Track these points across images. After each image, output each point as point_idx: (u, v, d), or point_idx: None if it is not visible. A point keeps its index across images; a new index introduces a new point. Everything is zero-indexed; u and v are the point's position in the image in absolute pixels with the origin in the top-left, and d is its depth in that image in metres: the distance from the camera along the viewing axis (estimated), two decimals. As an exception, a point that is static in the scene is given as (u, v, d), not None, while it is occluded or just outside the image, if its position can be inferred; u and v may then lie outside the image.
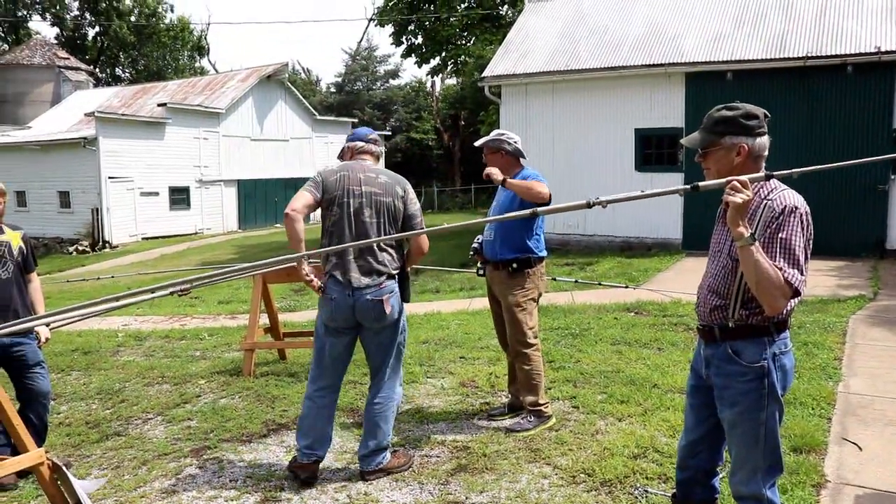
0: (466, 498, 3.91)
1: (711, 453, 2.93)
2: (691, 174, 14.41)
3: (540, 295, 5.05)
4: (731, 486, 2.79)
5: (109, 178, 25.99)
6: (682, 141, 2.72)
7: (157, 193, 27.90)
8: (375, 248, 4.14)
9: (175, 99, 30.84)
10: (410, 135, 46.48)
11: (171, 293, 4.28)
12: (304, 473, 4.18)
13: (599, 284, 9.50)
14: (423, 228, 4.22)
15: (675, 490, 3.07)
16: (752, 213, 2.61)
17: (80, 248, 25.98)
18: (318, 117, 35.58)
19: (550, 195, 4.77)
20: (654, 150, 15.18)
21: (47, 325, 4.79)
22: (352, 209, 4.14)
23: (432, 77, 38.65)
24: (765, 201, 2.61)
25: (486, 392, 5.85)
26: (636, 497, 3.80)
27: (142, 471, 4.59)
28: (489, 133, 5.16)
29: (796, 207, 2.57)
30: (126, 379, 6.98)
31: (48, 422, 4.80)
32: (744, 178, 2.49)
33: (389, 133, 43.16)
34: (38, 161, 27.88)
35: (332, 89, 51.63)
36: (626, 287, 9.34)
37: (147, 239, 27.33)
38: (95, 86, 41.41)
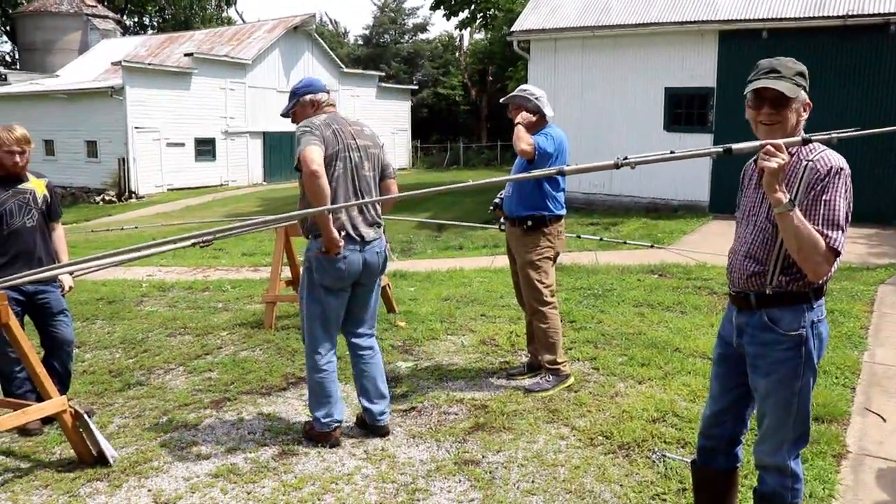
0: (483, 457, 3.91)
1: (736, 422, 2.87)
2: (721, 135, 14.15)
3: (557, 254, 5.00)
4: (755, 454, 2.74)
5: (136, 128, 26.08)
6: (771, 84, 2.50)
7: (182, 144, 27.98)
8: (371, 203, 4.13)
9: (202, 49, 30.73)
10: (437, 90, 46.08)
11: (194, 244, 4.28)
12: (328, 441, 4.14)
13: (624, 244, 9.42)
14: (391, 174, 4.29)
15: (694, 456, 3.03)
16: (792, 175, 2.50)
17: (107, 198, 26.21)
18: (345, 70, 35.35)
19: (534, 153, 4.68)
20: (683, 109, 14.90)
21: (71, 273, 4.81)
22: (353, 163, 4.05)
23: (461, 30, 38.17)
24: (807, 162, 2.50)
25: (505, 351, 5.83)
26: (654, 461, 3.77)
27: (162, 420, 4.64)
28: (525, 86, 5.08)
29: (841, 168, 2.47)
30: (149, 329, 7.05)
31: (72, 370, 4.85)
32: (779, 141, 2.39)
33: (416, 87, 42.79)
34: (66, 110, 28.00)
35: (360, 42, 51.18)
36: (651, 247, 9.24)
37: (172, 190, 27.48)
38: (122, 34, 41.34)
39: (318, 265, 4.00)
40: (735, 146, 2.48)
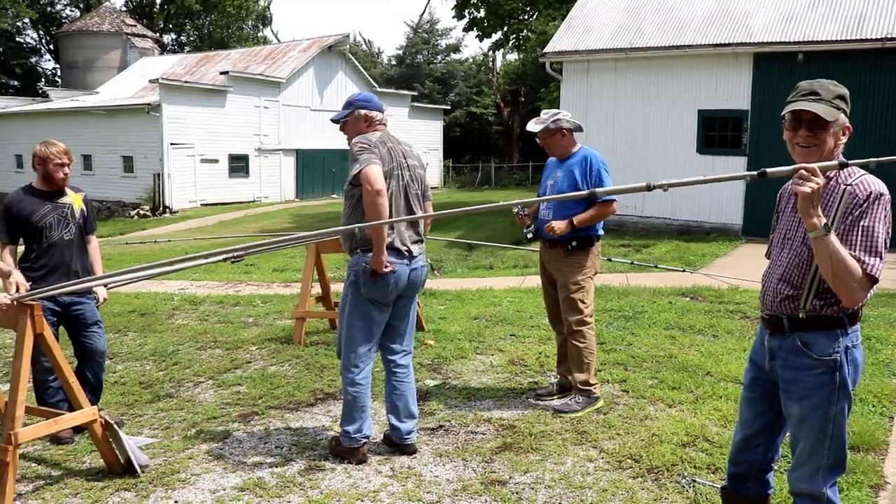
0: (510, 477, 3.88)
1: (767, 448, 2.82)
2: (755, 157, 14.01)
3: (595, 273, 4.98)
4: (790, 481, 2.68)
5: (171, 144, 26.49)
6: (809, 107, 2.47)
7: (216, 161, 28.34)
8: (417, 221, 4.19)
9: (237, 67, 31.19)
10: (470, 109, 46.27)
11: (225, 259, 4.34)
12: (355, 457, 4.13)
13: (655, 267, 9.33)
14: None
15: (725, 482, 2.97)
16: (830, 200, 2.47)
17: (142, 212, 26.58)
18: (378, 89, 35.61)
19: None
20: (717, 132, 14.78)
21: (105, 285, 4.88)
22: (404, 181, 4.11)
23: (493, 52, 38.34)
24: (845, 187, 2.46)
25: (534, 371, 5.79)
26: (683, 486, 3.71)
27: (191, 433, 4.66)
28: (548, 110, 5.08)
29: (882, 194, 2.43)
30: (180, 342, 7.11)
31: (103, 380, 4.90)
32: (814, 165, 2.35)
33: (448, 107, 43.00)
34: (104, 126, 28.53)
35: (393, 62, 51.62)
36: (683, 271, 9.15)
37: (206, 205, 27.81)
38: (161, 53, 42.13)
39: (367, 278, 4.01)
40: (770, 170, 2.44)
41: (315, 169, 31.99)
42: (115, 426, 4.00)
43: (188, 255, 4.26)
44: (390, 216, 3.97)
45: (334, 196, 31.27)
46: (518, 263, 12.88)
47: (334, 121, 4.32)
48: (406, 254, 4.08)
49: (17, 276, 3.76)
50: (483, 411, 4.92)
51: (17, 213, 4.49)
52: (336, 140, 32.43)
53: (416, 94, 39.64)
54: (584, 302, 4.85)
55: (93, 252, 4.82)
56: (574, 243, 4.80)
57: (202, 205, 27.79)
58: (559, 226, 4.72)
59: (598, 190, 2.70)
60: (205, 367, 6.17)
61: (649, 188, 2.54)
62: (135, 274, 5.19)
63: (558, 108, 16.43)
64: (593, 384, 4.89)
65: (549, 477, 3.86)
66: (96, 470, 4.10)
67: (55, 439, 4.55)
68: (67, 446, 4.49)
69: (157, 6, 52.64)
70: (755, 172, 2.47)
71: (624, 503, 3.57)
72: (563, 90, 16.51)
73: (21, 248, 4.62)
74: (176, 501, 3.70)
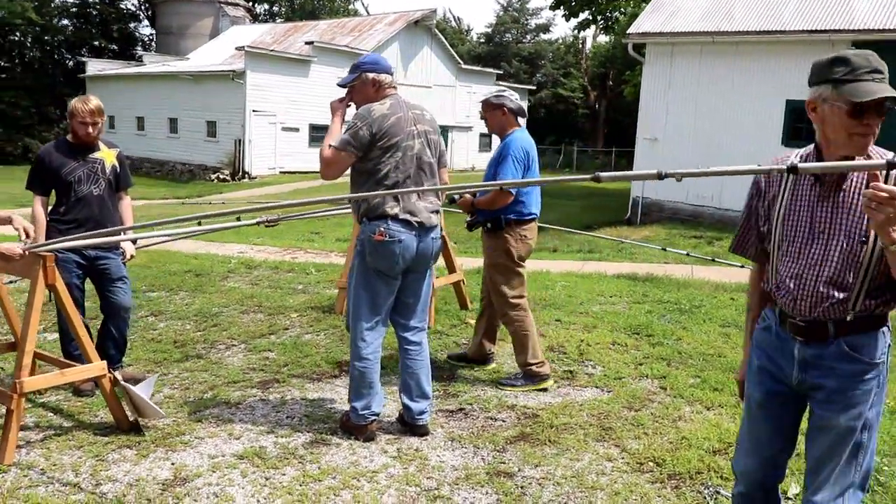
0: (519, 470, 3.65)
1: (781, 469, 2.52)
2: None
3: (519, 258, 4.91)
4: None
5: (253, 111, 26.93)
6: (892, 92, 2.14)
7: (297, 129, 28.68)
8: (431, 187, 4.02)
9: (324, 38, 31.41)
10: (557, 91, 45.55)
11: (258, 223, 4.23)
12: (364, 434, 3.98)
13: (712, 261, 8.84)
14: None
15: None
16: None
17: (221, 176, 27.18)
18: (463, 66, 35.40)
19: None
20: (805, 124, 13.97)
21: (133, 241, 4.86)
22: (415, 150, 3.90)
23: (579, 32, 37.48)
24: None
25: (572, 360, 5.52)
26: (705, 497, 3.39)
27: (207, 395, 4.60)
28: (634, 94, 4.97)
29: None
30: (226, 304, 7.12)
31: (128, 336, 4.89)
32: (860, 164, 2.04)
33: (534, 87, 42.41)
34: (191, 91, 29.24)
35: (482, 40, 51.21)
36: (742, 267, 8.65)
37: (284, 173, 28.21)
38: (252, 22, 42.84)
39: (372, 248, 3.85)
40: (801, 165, 2.13)
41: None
42: (122, 382, 3.96)
43: (222, 218, 4.19)
44: (400, 186, 3.82)
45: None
46: (583, 248, 12.53)
47: (341, 85, 4.14)
48: (416, 224, 3.87)
49: (21, 222, 3.72)
50: (508, 397, 4.69)
51: (49, 166, 4.50)
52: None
53: (501, 72, 39.21)
54: (506, 285, 4.87)
55: (124, 209, 4.80)
56: (489, 225, 4.85)
57: (281, 172, 28.20)
58: (462, 200, 4.91)
59: (603, 175, 2.43)
60: (241, 331, 6.14)
61: (660, 176, 2.25)
62: (157, 232, 5.17)
63: (641, 92, 15.90)
64: (533, 363, 4.85)
65: (561, 473, 3.61)
66: (105, 425, 4.08)
67: (77, 391, 4.57)
68: (87, 399, 4.49)
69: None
70: (784, 167, 2.16)
71: (635, 509, 3.30)
72: (644, 74, 15.94)
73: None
74: (173, 463, 3.62)
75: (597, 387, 4.91)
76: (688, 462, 3.72)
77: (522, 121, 5.00)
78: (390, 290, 3.98)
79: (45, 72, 40.01)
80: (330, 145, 3.87)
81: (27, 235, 3.72)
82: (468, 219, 5.00)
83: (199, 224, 3.94)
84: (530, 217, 4.92)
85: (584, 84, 45.10)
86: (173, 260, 9.57)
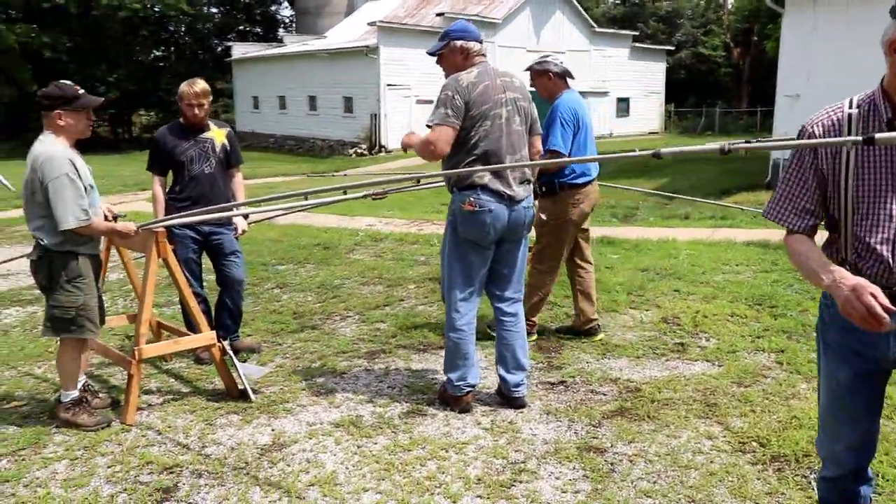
0: (611, 445, 3.55)
1: (872, 449, 2.32)
2: None
3: (565, 222, 4.91)
4: None
5: (388, 85, 27.37)
6: None
7: (432, 102, 28.78)
8: (522, 157, 3.98)
9: (455, 9, 31.36)
10: (697, 50, 43.51)
11: (365, 196, 4.32)
12: (459, 406, 4.01)
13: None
14: None
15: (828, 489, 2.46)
16: None
17: (359, 150, 27.89)
18: (597, 29, 34.45)
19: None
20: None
21: (245, 216, 5.07)
22: (503, 119, 3.85)
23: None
24: None
25: (686, 332, 5.30)
26: (809, 482, 3.16)
27: (315, 365, 4.78)
28: (776, 49, 4.71)
29: None
30: (348, 276, 7.34)
31: (242, 308, 5.13)
32: None
33: (673, 48, 40.70)
34: (327, 69, 30.07)
35: (616, 1, 49.58)
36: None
37: (415, 146, 28.55)
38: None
39: (463, 218, 3.86)
40: (879, 136, 1.92)
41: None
42: (231, 353, 4.17)
43: (327, 193, 4.31)
44: (489, 157, 3.82)
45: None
46: (716, 215, 11.96)
47: (430, 53, 4.14)
48: (505, 196, 3.82)
49: (107, 209, 4.10)
50: (612, 370, 4.58)
51: (163, 147, 4.76)
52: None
53: (637, 34, 37.83)
54: (548, 248, 5.00)
55: (236, 186, 5.01)
56: (544, 189, 4.88)
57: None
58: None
59: (663, 150, 2.34)
60: (358, 302, 6.31)
61: (723, 151, 2.16)
62: (264, 207, 5.37)
63: (781, 45, 14.88)
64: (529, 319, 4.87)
65: (654, 451, 3.49)
66: (219, 392, 4.32)
67: (198, 359, 4.86)
68: (206, 366, 4.76)
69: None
70: (860, 138, 1.95)
71: (729, 492, 3.12)
72: (784, 26, 14.83)
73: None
74: (273, 430, 3.80)
75: (707, 360, 4.70)
76: (795, 444, 3.49)
77: (572, 82, 5.07)
78: (483, 261, 3.97)
79: (196, 58, 42.28)
80: (427, 124, 3.85)
81: (113, 216, 4.05)
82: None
83: (306, 199, 4.02)
84: (584, 182, 4.91)
85: (726, 41, 42.75)
86: (304, 234, 9.95)
